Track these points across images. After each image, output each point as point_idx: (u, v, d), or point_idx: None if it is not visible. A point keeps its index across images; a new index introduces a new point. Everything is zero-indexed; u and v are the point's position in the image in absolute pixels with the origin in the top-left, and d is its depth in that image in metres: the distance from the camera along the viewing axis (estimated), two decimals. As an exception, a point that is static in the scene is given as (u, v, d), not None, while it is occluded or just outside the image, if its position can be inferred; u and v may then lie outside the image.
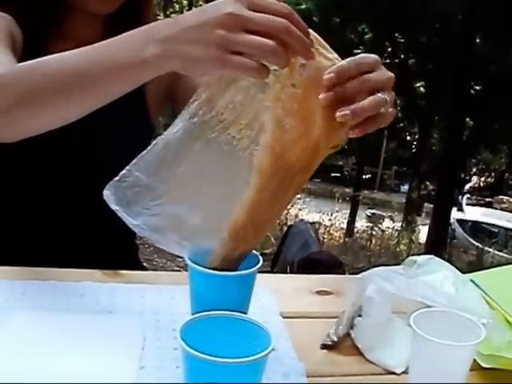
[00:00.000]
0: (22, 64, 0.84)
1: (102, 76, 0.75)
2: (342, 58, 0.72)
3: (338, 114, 0.69)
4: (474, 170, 18.17)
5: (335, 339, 0.89)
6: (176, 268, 4.84)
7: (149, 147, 0.77)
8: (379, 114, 0.73)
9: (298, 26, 0.69)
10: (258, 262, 0.84)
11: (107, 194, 0.76)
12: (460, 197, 13.08)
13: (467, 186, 15.29)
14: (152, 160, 0.76)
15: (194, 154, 0.75)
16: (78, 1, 1.13)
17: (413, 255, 1.03)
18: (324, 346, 0.89)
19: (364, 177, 13.56)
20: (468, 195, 14.81)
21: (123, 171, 0.77)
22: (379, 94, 0.72)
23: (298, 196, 7.60)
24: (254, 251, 0.88)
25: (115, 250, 1.24)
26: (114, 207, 0.76)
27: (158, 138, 0.77)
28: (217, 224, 0.76)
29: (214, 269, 0.81)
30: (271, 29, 0.68)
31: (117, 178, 0.76)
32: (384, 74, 0.74)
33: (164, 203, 0.76)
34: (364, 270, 0.93)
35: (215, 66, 0.69)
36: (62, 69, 0.79)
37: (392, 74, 0.74)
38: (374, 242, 8.09)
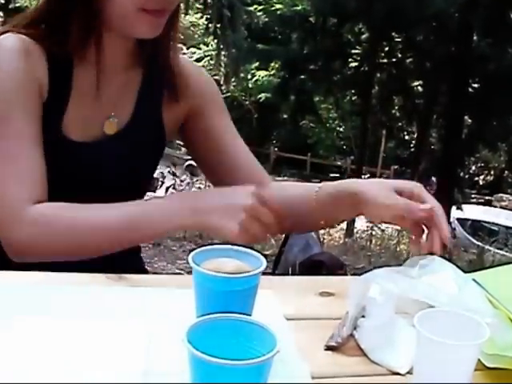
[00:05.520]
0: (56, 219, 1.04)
1: (140, 234, 1.04)
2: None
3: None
4: (474, 168, 18.16)
5: (339, 340, 0.89)
6: (176, 270, 4.85)
7: None
8: None
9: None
10: (262, 264, 0.84)
11: None
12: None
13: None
14: None
15: None
16: (122, 27, 1.10)
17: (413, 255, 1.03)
18: (328, 348, 0.89)
19: (363, 177, 13.55)
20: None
21: None
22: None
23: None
24: (256, 253, 0.88)
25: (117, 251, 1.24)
26: None
27: None
28: None
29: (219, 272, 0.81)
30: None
31: None
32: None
33: None
34: (365, 271, 0.93)
35: (233, 236, 0.95)
36: (102, 230, 1.03)
37: None
38: (373, 242, 8.09)
